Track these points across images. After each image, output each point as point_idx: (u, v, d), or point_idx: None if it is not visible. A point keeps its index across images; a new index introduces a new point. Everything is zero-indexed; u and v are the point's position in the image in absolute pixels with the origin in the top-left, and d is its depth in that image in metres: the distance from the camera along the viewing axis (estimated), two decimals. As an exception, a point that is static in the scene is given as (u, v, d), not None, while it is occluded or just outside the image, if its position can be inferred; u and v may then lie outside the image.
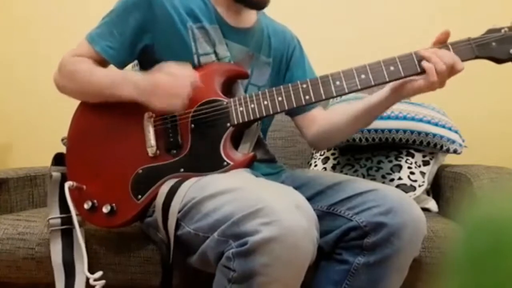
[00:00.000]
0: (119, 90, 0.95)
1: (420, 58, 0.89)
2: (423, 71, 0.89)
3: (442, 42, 0.91)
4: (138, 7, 0.99)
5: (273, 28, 1.16)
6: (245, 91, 1.06)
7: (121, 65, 1.04)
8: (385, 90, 0.97)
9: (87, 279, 0.95)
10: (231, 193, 0.80)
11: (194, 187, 0.87)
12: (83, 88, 1.01)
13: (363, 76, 0.92)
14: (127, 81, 0.95)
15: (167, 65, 0.94)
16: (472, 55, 0.89)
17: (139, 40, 1.01)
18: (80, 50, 1.03)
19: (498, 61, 0.89)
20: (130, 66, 1.11)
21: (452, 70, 0.87)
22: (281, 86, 0.96)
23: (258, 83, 1.09)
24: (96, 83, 0.98)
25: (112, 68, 1.04)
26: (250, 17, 1.10)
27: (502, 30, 0.88)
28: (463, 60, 0.89)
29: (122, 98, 0.96)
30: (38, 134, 1.89)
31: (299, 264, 0.75)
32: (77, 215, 0.98)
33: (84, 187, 0.99)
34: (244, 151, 0.99)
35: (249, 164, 0.95)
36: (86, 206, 0.98)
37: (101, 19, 1.04)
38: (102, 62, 1.02)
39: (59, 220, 1.01)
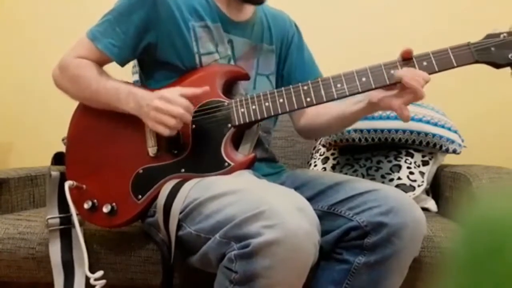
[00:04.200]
0: (123, 105, 0.96)
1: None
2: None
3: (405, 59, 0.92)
4: (142, 5, 0.98)
5: (272, 15, 1.16)
6: (254, 81, 1.07)
7: (123, 63, 1.04)
8: (363, 102, 0.98)
9: (87, 279, 0.95)
10: (233, 194, 0.80)
11: (196, 188, 0.87)
12: (86, 94, 1.01)
13: (364, 79, 0.93)
14: (132, 96, 0.95)
15: (166, 90, 0.93)
16: (472, 60, 0.90)
17: (142, 38, 1.00)
18: (81, 48, 1.02)
19: (497, 66, 0.90)
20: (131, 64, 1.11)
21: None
22: (283, 88, 0.96)
23: (265, 72, 1.10)
24: (102, 94, 0.98)
25: (111, 65, 1.03)
26: (248, 9, 1.10)
27: (501, 35, 0.89)
28: (462, 65, 0.90)
29: (125, 112, 0.96)
30: (38, 134, 1.89)
31: (301, 267, 0.75)
32: (76, 214, 0.98)
33: (84, 186, 0.99)
34: (244, 152, 0.99)
35: (250, 165, 0.95)
36: (86, 205, 0.97)
37: (102, 16, 1.03)
38: (104, 60, 1.02)
39: (58, 220, 1.01)
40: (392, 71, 0.91)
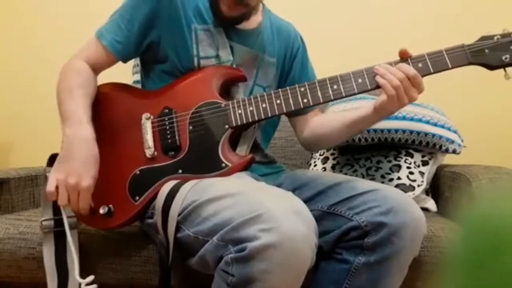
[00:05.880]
0: (64, 127, 0.92)
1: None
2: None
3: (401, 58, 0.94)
4: (148, 1, 0.99)
5: (278, 26, 1.15)
6: (251, 92, 1.07)
7: (125, 59, 1.05)
8: (369, 109, 1.00)
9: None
10: (231, 197, 0.80)
11: (194, 190, 0.86)
12: (58, 99, 0.97)
13: (360, 80, 0.94)
14: (73, 125, 0.91)
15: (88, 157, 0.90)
16: (466, 61, 0.92)
17: (146, 35, 1.01)
18: (88, 47, 1.03)
19: (491, 67, 0.92)
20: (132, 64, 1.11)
21: (410, 82, 0.91)
22: (280, 90, 0.97)
23: (263, 84, 1.10)
24: (64, 107, 0.94)
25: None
26: (255, 18, 1.09)
27: (495, 38, 0.91)
28: (457, 66, 0.92)
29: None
30: (39, 134, 1.89)
31: (297, 270, 0.75)
32: (73, 216, 0.96)
33: None
34: (242, 153, 0.99)
35: (248, 166, 0.95)
36: None
37: (110, 15, 1.04)
38: (108, 59, 1.02)
39: (52, 222, 0.99)
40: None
